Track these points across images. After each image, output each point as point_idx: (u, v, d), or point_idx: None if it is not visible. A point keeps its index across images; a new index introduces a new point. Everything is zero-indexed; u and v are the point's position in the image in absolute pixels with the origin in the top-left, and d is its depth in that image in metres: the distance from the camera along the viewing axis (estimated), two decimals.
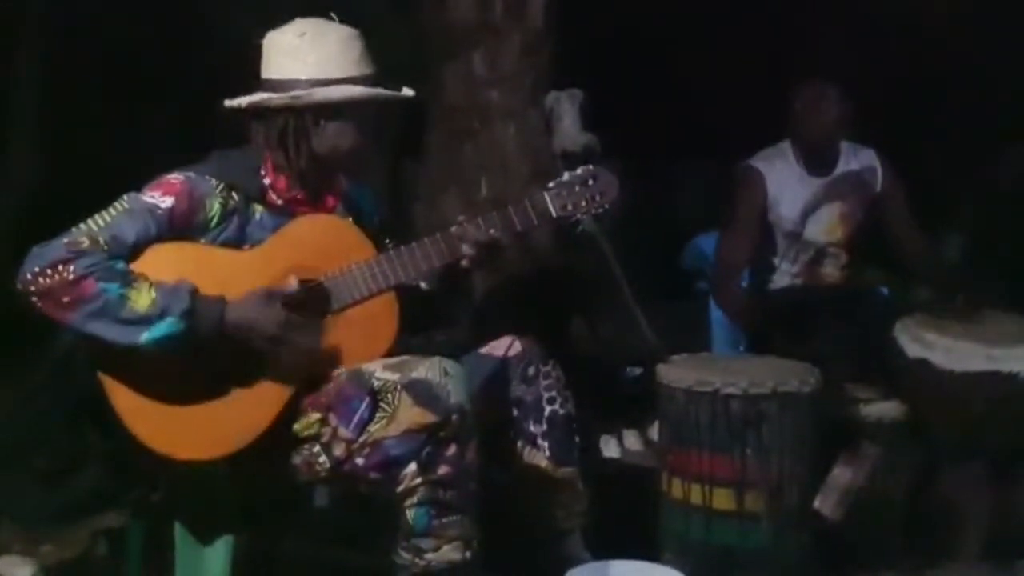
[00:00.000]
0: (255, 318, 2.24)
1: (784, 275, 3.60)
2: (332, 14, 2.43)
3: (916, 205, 3.67)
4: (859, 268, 3.66)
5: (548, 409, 2.58)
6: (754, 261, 3.64)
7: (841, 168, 3.59)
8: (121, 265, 2.22)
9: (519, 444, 2.58)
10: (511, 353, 2.59)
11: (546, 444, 2.58)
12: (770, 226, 3.57)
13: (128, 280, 2.19)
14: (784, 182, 3.54)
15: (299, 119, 2.37)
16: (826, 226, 3.56)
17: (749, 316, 3.55)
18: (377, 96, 2.38)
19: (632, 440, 3.74)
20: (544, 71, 3.91)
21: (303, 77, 2.35)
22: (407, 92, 2.44)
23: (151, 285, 2.20)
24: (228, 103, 2.40)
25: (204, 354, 2.24)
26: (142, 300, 2.18)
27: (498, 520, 2.44)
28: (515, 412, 2.58)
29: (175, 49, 3.80)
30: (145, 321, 2.18)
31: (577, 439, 2.63)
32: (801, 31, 4.67)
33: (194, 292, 2.22)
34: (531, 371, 2.58)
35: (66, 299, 2.16)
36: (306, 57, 2.36)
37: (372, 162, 2.51)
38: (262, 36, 2.44)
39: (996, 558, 2.86)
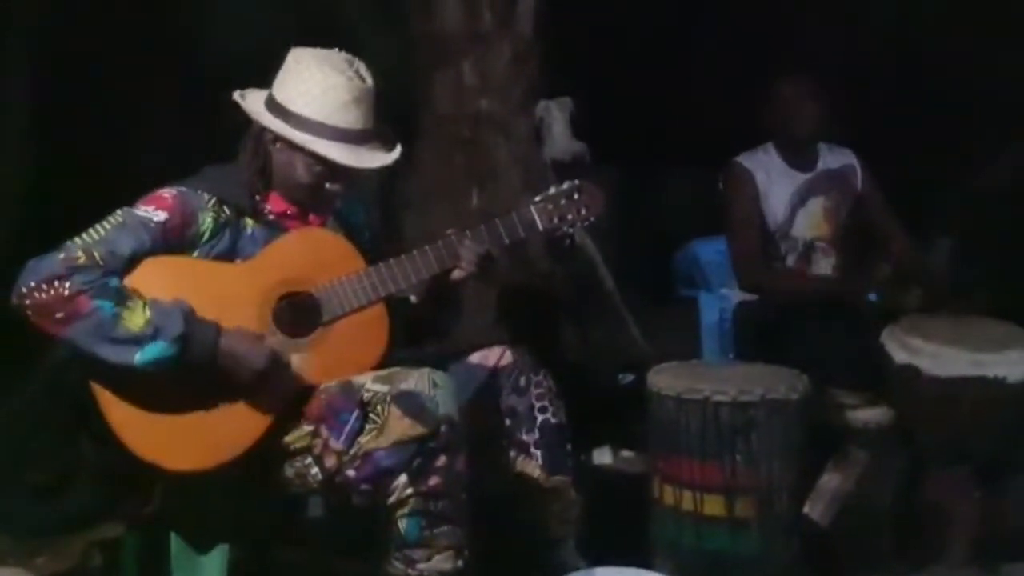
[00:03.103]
0: (245, 351, 2.25)
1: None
2: (359, 61, 2.41)
3: (905, 209, 3.69)
4: (849, 273, 3.68)
5: (540, 418, 2.59)
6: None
7: (822, 166, 3.62)
8: (116, 282, 2.22)
9: (512, 453, 2.59)
10: (502, 363, 2.60)
11: (539, 453, 2.58)
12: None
13: (123, 298, 2.20)
14: (770, 177, 3.56)
15: (262, 133, 2.40)
16: (812, 221, 3.57)
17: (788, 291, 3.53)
18: (305, 145, 2.34)
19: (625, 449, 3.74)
20: (534, 80, 3.92)
21: (277, 98, 2.38)
22: (364, 160, 2.38)
23: (145, 304, 2.21)
24: (237, 97, 2.42)
25: (197, 366, 2.25)
26: (136, 319, 2.19)
27: (492, 529, 2.46)
28: (507, 422, 2.59)
29: (171, 58, 3.80)
30: (138, 341, 2.19)
31: (569, 447, 2.64)
32: (791, 37, 4.68)
33: (188, 314, 2.23)
34: (522, 381, 2.60)
35: (60, 315, 2.17)
36: (290, 83, 2.38)
37: (340, 202, 2.50)
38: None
39: (983, 562, 2.88)
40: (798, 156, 3.59)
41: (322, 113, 2.35)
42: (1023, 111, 4.20)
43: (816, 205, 3.58)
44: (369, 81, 2.41)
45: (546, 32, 3.95)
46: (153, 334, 2.19)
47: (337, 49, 2.43)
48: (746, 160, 3.60)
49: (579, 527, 2.64)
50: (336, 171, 2.38)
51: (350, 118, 2.37)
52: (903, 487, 2.94)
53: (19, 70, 3.69)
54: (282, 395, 2.31)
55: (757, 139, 3.65)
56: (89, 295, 2.18)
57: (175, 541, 2.44)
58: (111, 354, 2.19)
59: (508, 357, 2.61)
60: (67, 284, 2.17)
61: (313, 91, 2.36)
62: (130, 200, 2.35)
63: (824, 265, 3.58)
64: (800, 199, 3.57)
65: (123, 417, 2.27)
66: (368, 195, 3.33)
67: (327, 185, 2.40)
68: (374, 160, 2.41)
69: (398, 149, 2.45)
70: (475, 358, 2.61)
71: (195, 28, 3.87)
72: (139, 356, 2.19)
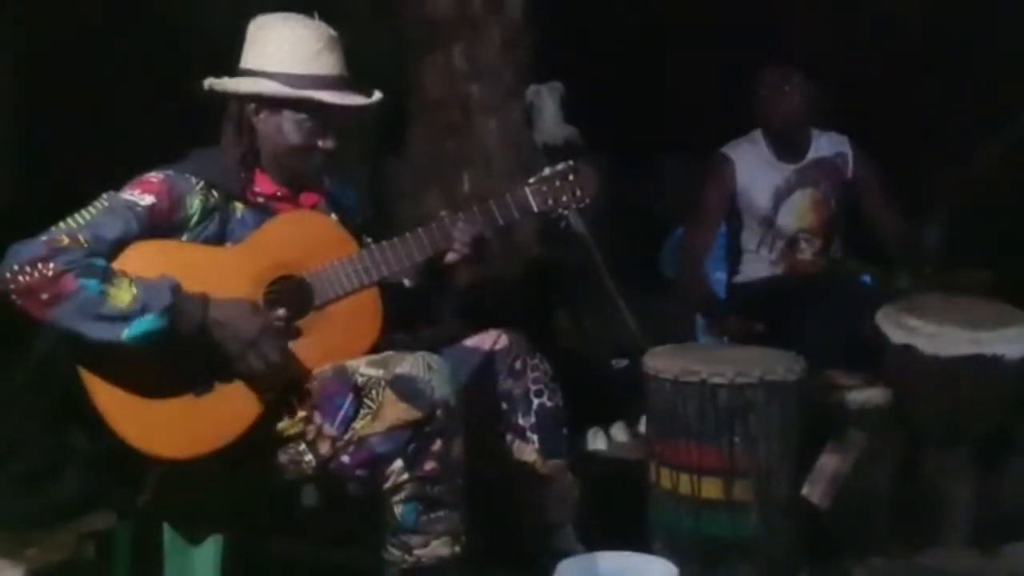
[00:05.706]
0: (236, 319, 2.22)
1: (762, 262, 3.61)
2: (315, 12, 2.41)
3: (895, 196, 3.67)
4: (841, 256, 3.67)
5: (536, 402, 2.57)
6: (730, 250, 3.67)
7: (812, 154, 3.60)
8: (101, 262, 2.19)
9: (508, 437, 2.57)
10: (498, 347, 2.58)
11: (535, 437, 2.57)
12: (741, 214, 3.60)
13: (108, 276, 2.17)
14: (755, 169, 3.56)
15: (242, 109, 2.37)
16: (798, 212, 3.57)
17: (712, 306, 3.59)
18: (300, 96, 2.33)
19: (619, 432, 3.73)
20: (524, 64, 3.93)
21: (249, 67, 2.37)
22: (352, 99, 2.38)
23: (131, 281, 2.18)
24: (209, 83, 2.40)
25: (186, 352, 2.22)
26: (122, 296, 2.16)
27: (489, 514, 2.44)
28: (503, 406, 2.57)
29: (155, 47, 3.77)
30: (126, 317, 2.15)
31: (565, 431, 2.62)
32: (782, 22, 4.67)
33: (176, 288, 2.20)
34: (518, 364, 2.58)
35: (45, 296, 2.14)
36: (258, 47, 2.37)
37: (334, 165, 2.47)
38: (238, 30, 2.43)
39: (982, 543, 2.87)
40: (786, 145, 3.58)
41: (299, 65, 2.34)
42: (1015, 94, 4.19)
43: (803, 196, 3.58)
44: (332, 30, 2.40)
45: (535, 16, 3.94)
46: (141, 310, 2.16)
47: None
48: (731, 150, 3.60)
49: (577, 512, 2.62)
50: (326, 124, 2.37)
51: (326, 64, 2.36)
52: (901, 468, 2.93)
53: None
54: (276, 370, 2.26)
55: (749, 125, 3.64)
56: (74, 275, 2.15)
57: (168, 532, 2.42)
58: (99, 332, 2.15)
59: (503, 341, 2.58)
60: (51, 265, 2.14)
61: (284, 47, 2.35)
62: (116, 186, 2.31)
63: (807, 251, 3.58)
64: (786, 190, 3.57)
65: (112, 405, 2.24)
66: (360, 180, 3.31)
67: (319, 143, 2.38)
68: (360, 101, 2.39)
69: (378, 94, 2.43)
70: (470, 342, 2.59)
71: (179, 15, 3.84)
72: (127, 332, 2.15)
